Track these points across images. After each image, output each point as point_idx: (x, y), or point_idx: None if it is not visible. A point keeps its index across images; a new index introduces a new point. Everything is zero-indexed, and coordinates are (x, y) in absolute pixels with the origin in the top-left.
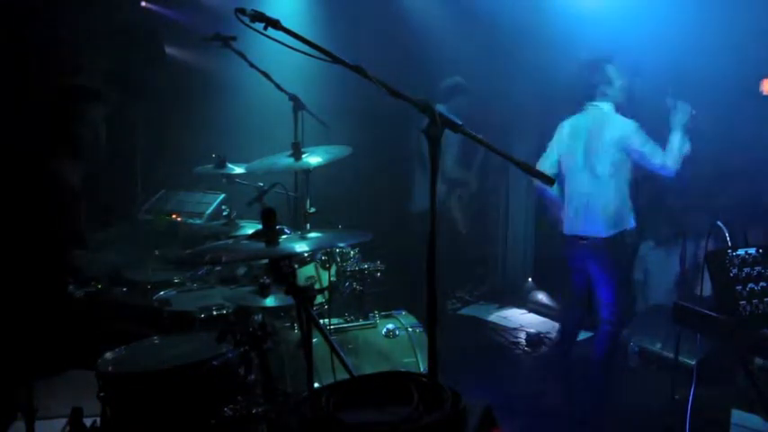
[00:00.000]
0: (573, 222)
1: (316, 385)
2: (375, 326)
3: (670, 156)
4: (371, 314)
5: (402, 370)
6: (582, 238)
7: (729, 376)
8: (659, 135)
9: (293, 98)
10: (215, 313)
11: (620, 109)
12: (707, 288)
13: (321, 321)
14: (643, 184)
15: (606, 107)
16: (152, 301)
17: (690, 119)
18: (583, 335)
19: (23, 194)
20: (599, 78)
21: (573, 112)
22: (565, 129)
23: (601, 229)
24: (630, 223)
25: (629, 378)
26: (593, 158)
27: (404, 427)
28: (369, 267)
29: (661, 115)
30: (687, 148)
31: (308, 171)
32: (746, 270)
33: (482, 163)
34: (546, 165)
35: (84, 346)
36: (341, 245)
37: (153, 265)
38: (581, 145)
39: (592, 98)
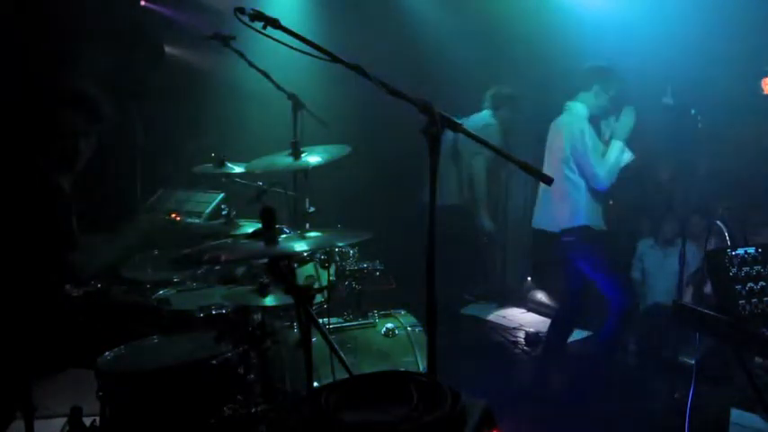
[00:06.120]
0: (536, 216)
1: (315, 385)
2: (374, 325)
3: (604, 167)
4: (371, 313)
5: (401, 369)
6: (544, 231)
7: (729, 376)
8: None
9: (292, 97)
10: (214, 313)
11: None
12: (706, 287)
13: (320, 321)
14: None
15: (578, 108)
16: (151, 301)
17: (630, 132)
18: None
19: (12, 193)
20: (581, 84)
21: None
22: (550, 129)
23: (554, 223)
24: (585, 220)
25: (629, 378)
26: (553, 157)
27: (403, 426)
28: (368, 267)
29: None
30: (627, 158)
31: (307, 170)
32: (746, 269)
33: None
34: None
35: (84, 346)
36: (340, 244)
37: (152, 264)
38: (550, 143)
39: (570, 98)
